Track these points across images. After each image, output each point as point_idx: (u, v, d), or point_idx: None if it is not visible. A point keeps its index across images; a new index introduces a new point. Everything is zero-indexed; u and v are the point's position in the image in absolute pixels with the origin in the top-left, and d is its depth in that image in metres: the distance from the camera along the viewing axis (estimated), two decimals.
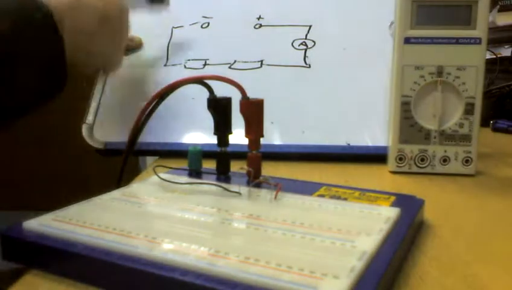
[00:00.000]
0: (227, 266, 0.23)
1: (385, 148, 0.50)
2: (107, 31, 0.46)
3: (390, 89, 0.48)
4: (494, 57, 0.84)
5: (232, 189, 0.34)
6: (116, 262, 0.24)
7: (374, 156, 0.51)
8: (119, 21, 0.49)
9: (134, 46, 0.65)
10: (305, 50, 0.62)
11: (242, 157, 0.38)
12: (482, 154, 0.49)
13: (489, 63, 0.76)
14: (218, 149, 0.39)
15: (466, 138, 0.47)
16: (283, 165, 0.50)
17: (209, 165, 0.40)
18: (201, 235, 0.26)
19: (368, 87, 0.57)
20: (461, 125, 0.47)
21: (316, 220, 0.29)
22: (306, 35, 0.63)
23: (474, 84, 0.46)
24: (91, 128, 0.56)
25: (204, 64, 0.61)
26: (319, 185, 0.37)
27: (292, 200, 0.33)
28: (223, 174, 0.39)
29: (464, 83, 0.46)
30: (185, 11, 0.69)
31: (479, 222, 0.35)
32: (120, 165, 0.45)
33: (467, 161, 0.47)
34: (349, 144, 0.52)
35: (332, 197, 0.34)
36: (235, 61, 0.61)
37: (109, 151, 0.54)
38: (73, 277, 0.25)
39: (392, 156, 0.48)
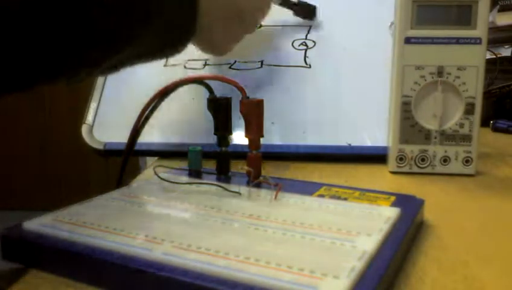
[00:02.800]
0: (227, 266, 0.23)
1: (385, 148, 0.50)
2: (235, 26, 0.46)
3: (391, 89, 0.48)
4: (494, 57, 0.84)
5: (232, 189, 0.34)
6: (116, 262, 0.24)
7: (374, 156, 0.51)
8: (252, 20, 0.49)
9: None
10: (306, 50, 0.62)
11: (242, 157, 0.38)
12: (482, 154, 0.49)
13: (489, 63, 0.76)
14: (218, 149, 0.39)
15: (466, 138, 0.47)
16: (283, 165, 0.49)
17: (209, 165, 0.40)
18: (201, 235, 0.26)
19: (368, 87, 0.56)
20: (461, 125, 0.47)
21: (316, 220, 0.29)
22: (306, 36, 0.63)
23: (474, 84, 0.46)
24: (91, 128, 0.56)
25: (205, 64, 0.61)
26: (319, 185, 0.37)
27: (292, 200, 0.33)
28: (223, 174, 0.39)
29: (464, 83, 0.46)
30: None
31: (479, 222, 0.35)
32: (120, 165, 0.45)
33: (467, 161, 0.47)
34: (350, 144, 0.52)
35: (332, 197, 0.34)
36: (235, 62, 0.61)
37: (109, 152, 0.54)
38: (74, 277, 0.25)
39: (392, 156, 0.48)
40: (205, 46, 0.46)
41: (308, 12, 0.64)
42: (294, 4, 0.63)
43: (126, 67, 0.39)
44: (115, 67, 0.38)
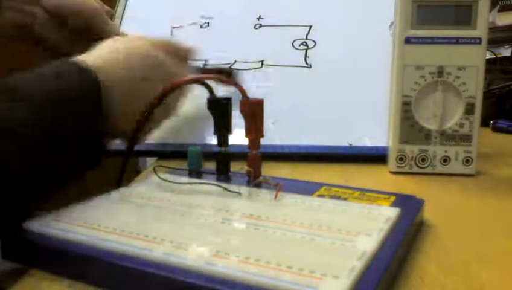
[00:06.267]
0: (227, 266, 0.23)
1: (385, 148, 0.50)
2: (154, 72, 0.44)
3: (391, 89, 0.48)
4: (494, 57, 0.84)
5: (232, 189, 0.34)
6: (116, 262, 0.24)
7: (374, 156, 0.51)
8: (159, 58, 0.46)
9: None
10: (306, 50, 0.62)
11: (242, 158, 0.38)
12: (482, 154, 0.49)
13: (489, 63, 0.76)
14: (218, 149, 0.39)
15: (466, 138, 0.47)
16: (283, 165, 0.49)
17: (209, 165, 0.40)
18: (201, 235, 0.26)
19: (368, 87, 0.56)
20: (461, 125, 0.46)
21: (316, 220, 0.29)
22: (306, 35, 0.63)
23: (474, 84, 0.46)
24: None
25: (205, 65, 0.61)
26: (319, 185, 0.37)
27: (292, 200, 0.33)
28: (223, 174, 0.39)
29: (464, 83, 0.46)
30: (184, 11, 0.69)
31: (479, 222, 0.35)
32: (120, 165, 0.44)
33: (467, 161, 0.47)
34: (351, 144, 0.52)
35: (332, 197, 0.34)
36: (235, 61, 0.61)
37: (109, 152, 0.54)
38: (73, 277, 0.25)
39: (392, 156, 0.48)
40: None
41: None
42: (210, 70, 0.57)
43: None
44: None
